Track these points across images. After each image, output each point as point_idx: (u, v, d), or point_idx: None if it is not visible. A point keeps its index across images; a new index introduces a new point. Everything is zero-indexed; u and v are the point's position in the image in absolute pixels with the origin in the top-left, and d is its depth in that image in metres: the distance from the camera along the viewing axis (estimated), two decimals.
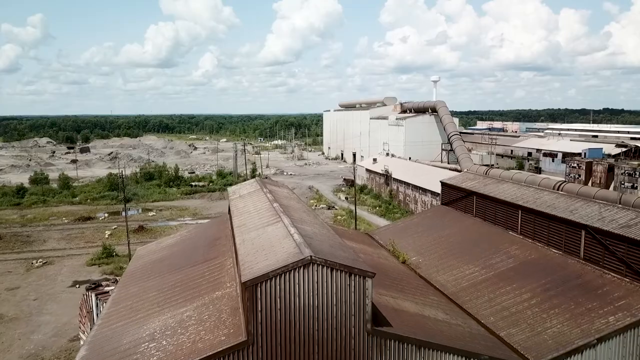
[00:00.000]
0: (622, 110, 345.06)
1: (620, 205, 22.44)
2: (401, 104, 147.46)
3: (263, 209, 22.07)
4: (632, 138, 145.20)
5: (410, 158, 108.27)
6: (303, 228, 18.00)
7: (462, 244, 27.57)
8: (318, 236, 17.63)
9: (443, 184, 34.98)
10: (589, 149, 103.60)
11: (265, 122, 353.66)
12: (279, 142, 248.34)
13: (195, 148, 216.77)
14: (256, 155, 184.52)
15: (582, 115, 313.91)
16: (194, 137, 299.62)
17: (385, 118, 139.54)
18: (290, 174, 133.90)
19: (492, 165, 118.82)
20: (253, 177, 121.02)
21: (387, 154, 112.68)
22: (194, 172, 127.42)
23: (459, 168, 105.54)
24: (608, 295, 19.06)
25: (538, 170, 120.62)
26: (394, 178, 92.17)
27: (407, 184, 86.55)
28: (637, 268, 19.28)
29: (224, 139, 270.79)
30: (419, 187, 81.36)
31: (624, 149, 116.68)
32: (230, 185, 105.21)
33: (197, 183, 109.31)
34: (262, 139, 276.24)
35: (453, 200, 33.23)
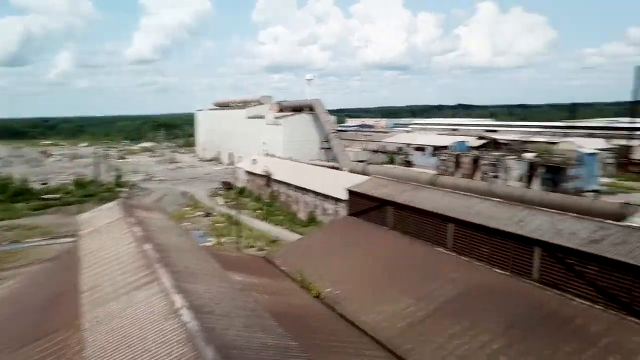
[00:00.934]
0: (473, 106, 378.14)
1: (574, 215, 18.97)
2: (278, 103, 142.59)
3: (128, 254, 14.80)
4: (486, 131, 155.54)
5: (290, 158, 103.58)
6: (194, 290, 11.43)
7: (386, 267, 22.58)
8: (219, 301, 11.23)
9: (351, 192, 29.92)
10: (457, 142, 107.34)
11: (131, 124, 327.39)
12: (148, 144, 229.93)
13: (50, 155, 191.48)
14: (121, 160, 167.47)
15: (439, 110, 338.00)
16: (49, 142, 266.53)
17: (262, 117, 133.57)
18: (161, 179, 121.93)
19: (366, 161, 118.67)
20: (118, 185, 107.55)
21: (267, 154, 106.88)
22: (46, 183, 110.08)
23: (337, 165, 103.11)
24: (586, 331, 15.10)
25: (409, 163, 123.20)
26: (275, 179, 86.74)
27: (289, 185, 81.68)
28: (612, 293, 15.58)
29: (84, 144, 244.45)
30: (302, 187, 76.93)
31: (484, 141, 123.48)
32: (92, 196, 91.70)
33: (50, 195, 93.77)
34: (128, 142, 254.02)
35: (364, 211, 28.29)
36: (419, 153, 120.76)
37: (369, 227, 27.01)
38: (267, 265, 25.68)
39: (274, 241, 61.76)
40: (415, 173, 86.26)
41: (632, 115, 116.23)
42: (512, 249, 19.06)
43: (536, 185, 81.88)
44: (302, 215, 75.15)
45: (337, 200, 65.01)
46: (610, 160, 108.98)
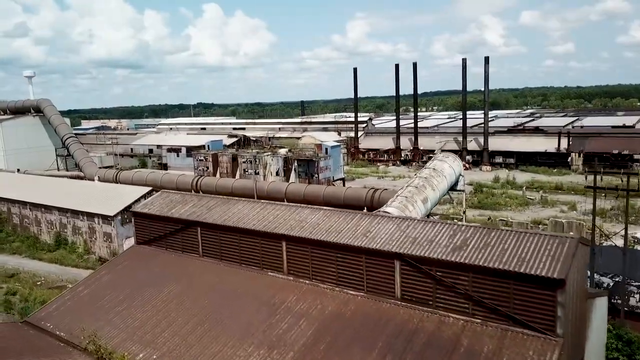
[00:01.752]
0: (213, 104, 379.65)
1: (421, 219, 17.22)
2: None
3: None
4: (235, 128, 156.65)
5: (19, 170, 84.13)
6: None
7: (214, 308, 17.40)
8: None
9: (137, 214, 23.21)
10: (212, 141, 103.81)
11: None
12: None
13: None
14: None
15: (181, 109, 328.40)
16: None
17: None
18: None
19: (114, 166, 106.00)
20: None
21: None
22: None
23: (82, 175, 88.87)
24: (478, 354, 13.28)
25: (164, 166, 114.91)
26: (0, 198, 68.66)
27: (23, 203, 65.57)
28: (490, 304, 14.13)
29: None
30: (42, 205, 62.50)
31: (236, 139, 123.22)
32: None
33: None
34: None
35: (160, 237, 22.13)
36: (173, 154, 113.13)
37: (172, 257, 21.21)
38: (30, 334, 17.43)
39: (11, 275, 48.04)
40: (175, 176, 79.65)
41: (355, 109, 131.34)
42: (366, 265, 16.43)
43: (293, 178, 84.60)
44: (47, 238, 61.07)
45: (93, 215, 54.44)
46: (344, 151, 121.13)
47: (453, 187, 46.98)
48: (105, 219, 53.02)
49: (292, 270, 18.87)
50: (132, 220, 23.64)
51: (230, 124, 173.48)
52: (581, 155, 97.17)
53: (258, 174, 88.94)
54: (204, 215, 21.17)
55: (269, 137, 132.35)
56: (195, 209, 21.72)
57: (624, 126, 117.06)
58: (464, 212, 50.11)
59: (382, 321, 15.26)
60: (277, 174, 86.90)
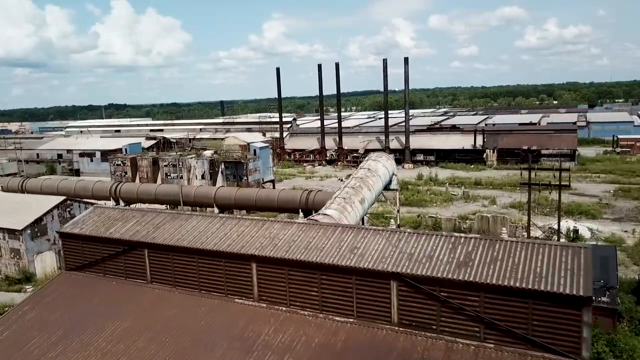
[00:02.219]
0: (125, 105, 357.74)
1: (412, 232, 15.30)
2: None
3: None
4: (152, 130, 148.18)
5: None
6: None
7: (171, 347, 14.35)
8: None
9: (66, 235, 19.28)
10: (130, 144, 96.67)
11: None
12: None
13: None
14: None
15: (90, 111, 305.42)
16: None
17: None
18: None
19: (18, 173, 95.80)
20: None
21: None
22: None
23: None
24: None
25: (76, 172, 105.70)
26: None
27: None
28: (505, 327, 12.54)
29: None
30: None
31: (154, 141, 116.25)
32: None
33: None
34: None
35: (97, 261, 18.48)
36: (86, 159, 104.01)
37: (113, 286, 17.67)
38: None
39: None
40: (91, 183, 72.63)
41: (279, 110, 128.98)
42: (356, 287, 14.29)
43: (220, 181, 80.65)
44: None
45: None
46: (270, 151, 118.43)
47: (387, 186, 46.28)
48: (12, 233, 46.56)
49: (264, 296, 16.20)
50: (60, 242, 19.61)
51: (146, 125, 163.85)
52: (495, 151, 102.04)
53: (182, 178, 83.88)
54: (151, 234, 17.86)
55: (190, 139, 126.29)
56: (140, 227, 18.33)
57: (531, 123, 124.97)
58: (398, 211, 49.67)
59: (382, 352, 13.20)
60: (202, 177, 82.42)
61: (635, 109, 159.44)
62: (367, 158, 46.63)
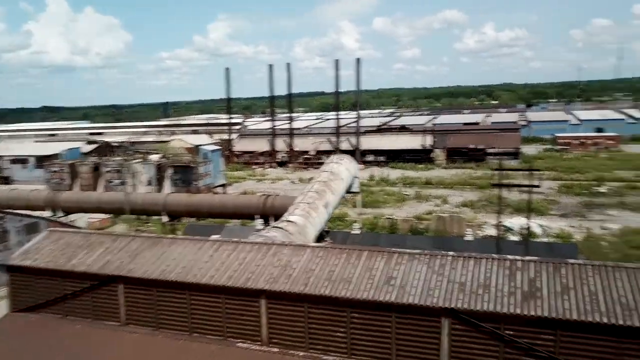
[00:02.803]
0: (62, 108, 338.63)
1: (453, 254, 13.65)
2: None
3: None
4: (91, 134, 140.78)
5: None
6: None
7: None
8: None
9: (15, 268, 16.47)
10: (68, 149, 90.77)
11: None
12: None
13: None
14: None
15: (23, 114, 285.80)
16: None
17: None
18: None
19: None
20: None
21: None
22: None
23: None
24: None
25: (4, 180, 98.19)
26: None
27: None
28: None
29: None
30: None
31: (95, 146, 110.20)
32: None
33: None
34: None
35: (55, 300, 15.87)
36: (18, 166, 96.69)
37: (77, 330, 15.02)
38: None
39: None
40: (25, 192, 67.17)
41: (228, 111, 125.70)
42: (396, 328, 12.25)
43: (168, 187, 77.07)
44: None
45: None
46: (221, 154, 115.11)
47: (349, 189, 45.38)
48: None
49: (276, 339, 13.94)
50: (7, 277, 16.79)
51: (85, 128, 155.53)
52: (443, 151, 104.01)
53: (126, 184, 79.54)
54: (127, 265, 15.25)
55: (133, 142, 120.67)
56: (111, 256, 15.75)
57: (474, 123, 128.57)
58: (360, 214, 48.92)
59: None
60: (149, 183, 78.48)
61: (569, 109, 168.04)
62: (328, 160, 45.51)
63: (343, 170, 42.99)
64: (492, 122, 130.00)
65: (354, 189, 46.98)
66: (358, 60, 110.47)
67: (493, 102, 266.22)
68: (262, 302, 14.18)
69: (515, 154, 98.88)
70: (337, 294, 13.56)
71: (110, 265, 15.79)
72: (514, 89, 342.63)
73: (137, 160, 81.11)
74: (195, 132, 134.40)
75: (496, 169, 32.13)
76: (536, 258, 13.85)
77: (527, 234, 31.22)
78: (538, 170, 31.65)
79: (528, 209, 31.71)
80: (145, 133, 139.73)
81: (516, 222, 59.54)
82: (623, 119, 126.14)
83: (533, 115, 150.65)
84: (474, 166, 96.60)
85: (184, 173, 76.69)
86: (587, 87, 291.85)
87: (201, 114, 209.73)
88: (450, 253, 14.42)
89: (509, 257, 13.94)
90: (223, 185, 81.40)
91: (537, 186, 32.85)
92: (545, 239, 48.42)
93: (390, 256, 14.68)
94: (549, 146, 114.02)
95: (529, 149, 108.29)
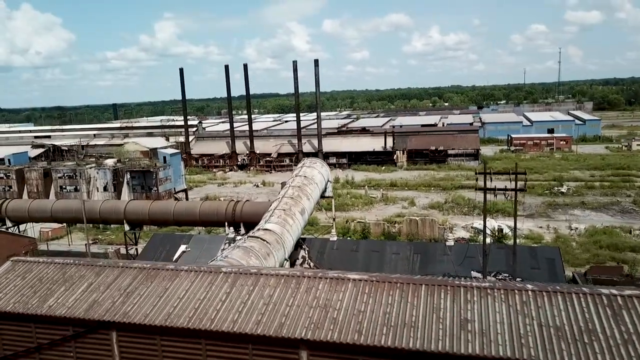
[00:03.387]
0: (0, 109, 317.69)
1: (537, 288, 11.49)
2: None
3: None
4: (37, 137, 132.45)
5: None
6: None
7: None
8: None
9: None
10: (13, 154, 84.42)
11: None
12: None
13: None
14: None
15: None
16: None
17: None
18: None
19: None
20: None
21: None
22: None
23: None
24: None
25: None
26: None
27: None
28: None
29: None
30: None
31: (43, 149, 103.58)
32: None
33: None
34: None
35: (26, 353, 13.07)
36: None
37: None
38: None
39: None
40: None
41: (184, 112, 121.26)
42: None
43: (126, 193, 72.93)
44: None
45: None
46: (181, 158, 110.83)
47: (323, 194, 43.80)
48: None
49: None
50: None
51: (29, 132, 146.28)
52: (404, 152, 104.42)
53: (79, 190, 74.66)
54: (120, 307, 12.20)
55: (83, 146, 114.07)
56: (98, 293, 12.78)
57: (434, 125, 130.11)
58: (334, 219, 47.51)
59: None
60: (105, 189, 74.03)
61: (518, 110, 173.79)
62: (300, 164, 43.78)
63: (316, 175, 41.38)
64: (448, 124, 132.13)
65: (328, 194, 45.43)
66: (316, 61, 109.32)
67: (445, 104, 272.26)
68: (302, 354, 11.27)
69: (475, 155, 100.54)
70: (402, 344, 10.76)
71: (99, 307, 12.59)
72: (462, 91, 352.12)
73: (91, 165, 76.34)
74: (150, 134, 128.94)
75: (480, 173, 31.44)
76: (635, 291, 11.49)
77: (515, 238, 30.69)
78: (524, 173, 31.27)
79: (515, 212, 31.22)
80: (96, 136, 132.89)
81: (487, 224, 60.10)
82: (572, 120, 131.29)
83: (486, 116, 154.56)
84: (436, 167, 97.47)
85: (143, 178, 72.76)
86: (532, 90, 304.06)
87: (153, 115, 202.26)
88: (529, 287, 12.01)
89: (603, 290, 11.60)
90: (184, 190, 77.93)
91: (524, 190, 32.50)
92: (518, 241, 48.72)
93: (456, 291, 11.98)
94: (504, 147, 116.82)
95: (485, 150, 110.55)
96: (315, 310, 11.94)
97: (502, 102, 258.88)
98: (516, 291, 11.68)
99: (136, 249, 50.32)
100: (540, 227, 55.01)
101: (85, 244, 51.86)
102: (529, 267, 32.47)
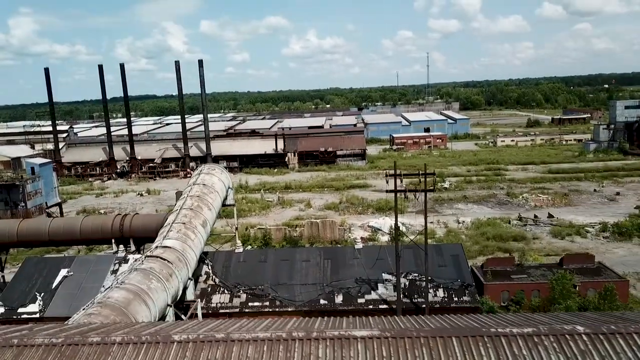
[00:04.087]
0: None
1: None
2: None
3: None
4: None
5: None
6: None
7: None
8: None
9: None
10: None
11: None
12: None
13: None
14: None
15: None
16: None
17: None
18: None
19: None
20: None
21: None
22: None
23: None
24: None
25: None
26: None
27: None
28: None
29: None
30: None
31: None
32: None
33: None
34: None
35: None
36: None
37: None
38: None
39: None
40: None
41: (52, 117, 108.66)
42: None
43: None
44: None
45: None
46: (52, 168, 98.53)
47: (224, 202, 40.98)
48: None
49: None
50: None
51: None
52: (295, 154, 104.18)
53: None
54: None
55: None
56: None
57: (320, 126, 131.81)
58: (237, 228, 44.92)
59: None
60: None
61: (395, 111, 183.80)
62: (197, 171, 40.49)
63: (216, 182, 38.52)
64: (334, 125, 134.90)
65: (229, 202, 42.53)
66: (200, 62, 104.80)
67: (327, 105, 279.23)
68: None
69: (362, 155, 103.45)
70: None
71: None
72: (342, 93, 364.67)
73: None
74: (11, 142, 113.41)
75: (390, 175, 31.38)
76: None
77: (425, 238, 31.04)
78: (433, 174, 31.77)
79: (425, 212, 31.62)
80: None
81: (382, 222, 61.42)
82: (445, 120, 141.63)
83: (367, 117, 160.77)
84: (327, 168, 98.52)
85: (7, 193, 63.01)
86: (405, 91, 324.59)
87: (12, 121, 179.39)
88: (580, 329, 9.60)
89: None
90: (58, 204, 69.14)
91: (433, 190, 33.07)
92: (414, 238, 50.26)
93: (496, 342, 9.31)
94: (387, 146, 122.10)
95: (370, 150, 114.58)
96: None
97: (378, 103, 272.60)
98: (567, 336, 9.53)
99: (2, 276, 42.99)
100: (431, 222, 57.29)
101: None
102: (436, 264, 33.16)
